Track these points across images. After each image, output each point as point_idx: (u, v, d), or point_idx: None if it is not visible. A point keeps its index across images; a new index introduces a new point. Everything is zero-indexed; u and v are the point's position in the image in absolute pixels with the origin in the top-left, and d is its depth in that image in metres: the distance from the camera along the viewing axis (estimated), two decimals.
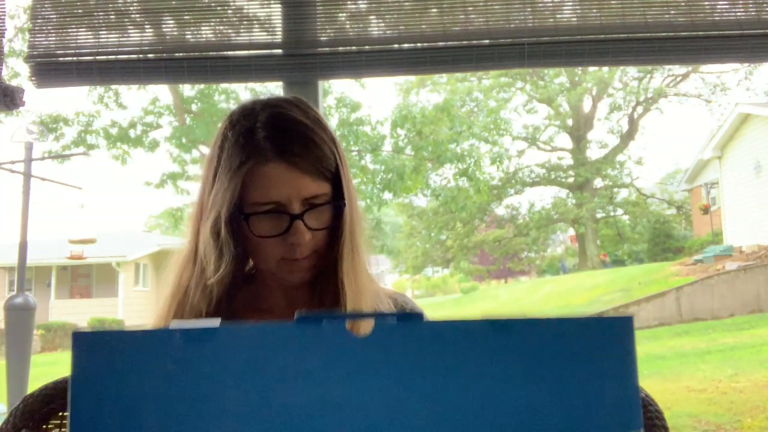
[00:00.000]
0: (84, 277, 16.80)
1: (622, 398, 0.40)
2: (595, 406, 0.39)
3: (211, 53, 1.70)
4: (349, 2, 1.74)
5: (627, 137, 19.59)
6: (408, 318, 0.40)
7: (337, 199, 0.89)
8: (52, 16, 1.72)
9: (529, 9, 1.68)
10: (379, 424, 0.37)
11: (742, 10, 1.64)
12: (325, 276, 0.92)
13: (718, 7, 1.65)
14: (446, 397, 0.38)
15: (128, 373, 0.38)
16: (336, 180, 0.89)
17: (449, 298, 18.43)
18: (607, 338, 0.40)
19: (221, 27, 1.74)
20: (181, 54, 1.71)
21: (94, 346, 0.38)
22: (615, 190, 19.94)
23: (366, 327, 0.40)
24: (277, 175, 0.86)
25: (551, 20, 1.67)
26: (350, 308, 0.88)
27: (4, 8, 1.70)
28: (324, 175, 0.88)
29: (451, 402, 0.38)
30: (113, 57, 1.69)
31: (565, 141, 20.00)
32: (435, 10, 1.71)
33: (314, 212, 0.88)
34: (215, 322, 0.40)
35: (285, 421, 0.37)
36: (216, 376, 0.38)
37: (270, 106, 0.91)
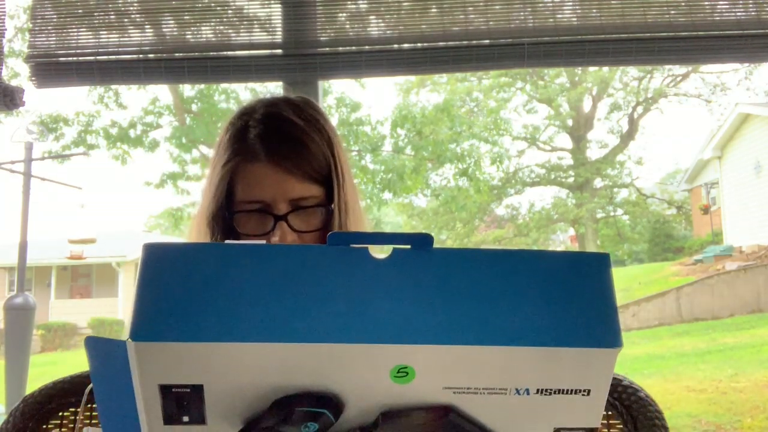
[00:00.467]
0: (84, 277, 16.81)
1: (602, 318, 0.45)
2: (579, 323, 0.45)
3: (211, 53, 1.71)
4: (349, 2, 1.74)
5: (627, 137, 19.59)
6: (420, 243, 0.47)
7: (329, 202, 0.88)
8: (52, 16, 1.72)
9: (529, 9, 1.68)
10: (389, 321, 0.44)
11: (742, 10, 1.64)
12: None
13: (718, 7, 1.65)
14: (449, 309, 0.45)
15: (186, 278, 0.44)
16: (329, 182, 0.88)
17: None
18: (589, 268, 0.47)
19: (221, 27, 1.74)
20: (181, 54, 1.71)
21: (163, 255, 0.45)
22: (615, 190, 19.94)
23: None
24: (263, 175, 0.86)
25: (551, 20, 1.67)
26: None
27: (4, 8, 1.70)
28: (313, 177, 0.87)
29: (452, 312, 0.44)
30: (113, 57, 1.69)
31: (565, 141, 20.01)
32: (435, 10, 1.71)
33: (301, 214, 0.87)
34: (261, 242, 0.47)
35: (310, 322, 0.43)
36: (259, 284, 0.44)
37: (268, 105, 0.91)
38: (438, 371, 0.45)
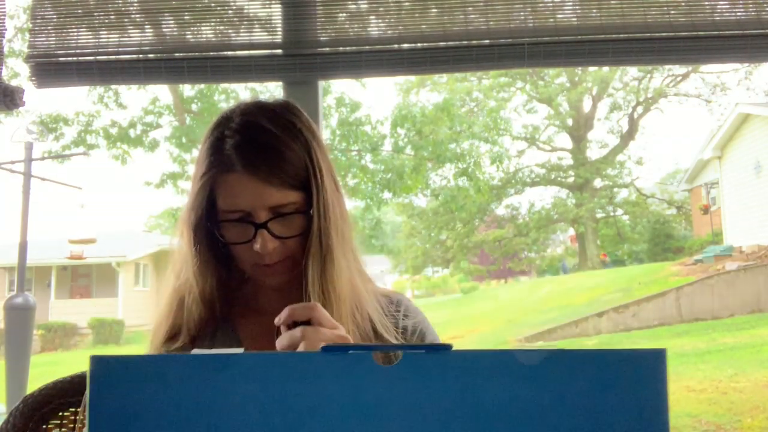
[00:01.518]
0: (84, 277, 16.80)
1: (651, 428, 0.39)
2: None
3: (211, 53, 1.70)
4: (349, 2, 1.74)
5: (627, 137, 19.58)
6: (436, 348, 0.39)
7: (309, 207, 0.89)
8: (52, 16, 1.72)
9: (529, 9, 1.68)
10: None
11: (742, 10, 1.64)
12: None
13: (718, 7, 1.65)
14: (472, 426, 0.38)
15: (146, 400, 0.37)
16: (309, 187, 0.89)
17: (449, 298, 18.43)
18: (641, 372, 0.39)
19: (221, 27, 1.74)
20: (181, 54, 1.71)
21: (111, 371, 0.38)
22: (615, 190, 19.93)
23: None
24: (240, 185, 0.87)
25: (551, 20, 1.67)
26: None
27: (4, 8, 1.70)
28: (291, 184, 0.88)
29: (476, 430, 0.38)
30: (113, 57, 1.69)
31: (565, 141, 20.00)
32: (435, 10, 1.71)
33: (281, 221, 0.88)
34: (239, 351, 0.39)
35: None
36: (240, 404, 0.37)
37: (244, 113, 0.92)
38: None
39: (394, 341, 0.94)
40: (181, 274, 0.94)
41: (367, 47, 1.68)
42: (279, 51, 1.68)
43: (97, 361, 0.38)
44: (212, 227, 0.90)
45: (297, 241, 0.90)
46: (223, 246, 0.92)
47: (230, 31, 1.73)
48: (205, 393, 0.37)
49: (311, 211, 0.89)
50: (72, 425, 1.04)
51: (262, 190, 0.87)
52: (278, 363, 0.38)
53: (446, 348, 0.39)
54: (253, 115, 0.92)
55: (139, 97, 15.17)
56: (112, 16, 1.72)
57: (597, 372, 0.39)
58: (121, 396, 0.37)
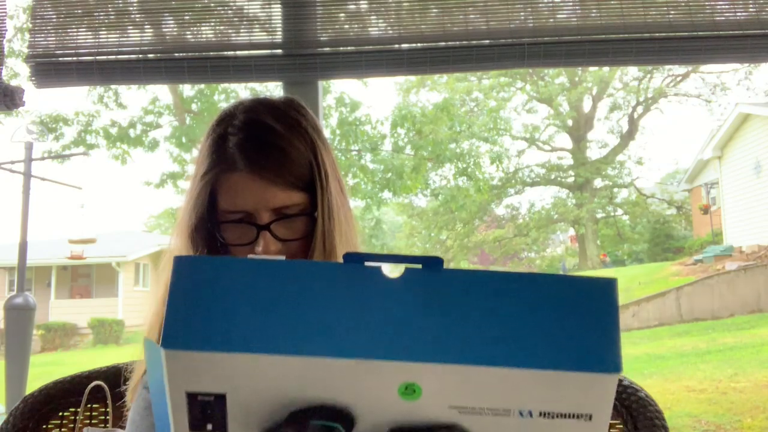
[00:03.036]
0: (84, 277, 16.80)
1: (604, 344, 0.46)
2: (581, 347, 0.46)
3: (211, 53, 1.70)
4: (349, 2, 1.74)
5: (627, 137, 19.59)
6: (432, 264, 0.49)
7: (314, 207, 0.87)
8: (52, 16, 1.72)
9: (529, 9, 1.68)
10: (397, 339, 0.46)
11: (742, 10, 1.64)
12: None
13: (718, 7, 1.65)
14: (455, 329, 0.47)
15: (212, 291, 0.47)
16: (313, 188, 0.87)
17: None
18: (596, 294, 0.48)
19: (221, 27, 1.74)
20: (181, 54, 1.71)
21: (192, 267, 0.48)
22: (615, 190, 19.94)
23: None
24: (244, 185, 0.84)
25: (551, 20, 1.67)
26: None
27: (4, 8, 1.70)
28: (295, 185, 0.85)
29: (458, 332, 0.46)
30: (113, 57, 1.69)
31: (565, 141, 20.01)
32: (435, 10, 1.71)
33: (285, 222, 0.85)
34: (281, 257, 0.50)
35: (324, 335, 0.46)
36: (277, 298, 0.47)
37: (248, 110, 0.89)
38: (443, 390, 0.46)
39: None
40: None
41: (367, 47, 1.68)
42: (279, 51, 1.68)
43: (180, 260, 0.48)
44: (212, 228, 0.87)
45: (300, 243, 0.87)
46: (222, 247, 0.89)
47: (230, 31, 1.73)
48: (256, 289, 0.47)
49: (315, 213, 0.86)
50: (72, 425, 1.04)
51: (266, 190, 0.84)
52: (308, 268, 0.49)
53: (440, 262, 0.49)
54: (257, 112, 0.88)
55: (139, 97, 15.20)
56: (112, 16, 1.72)
57: (564, 292, 0.48)
58: (196, 289, 0.47)
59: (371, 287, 0.48)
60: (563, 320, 0.47)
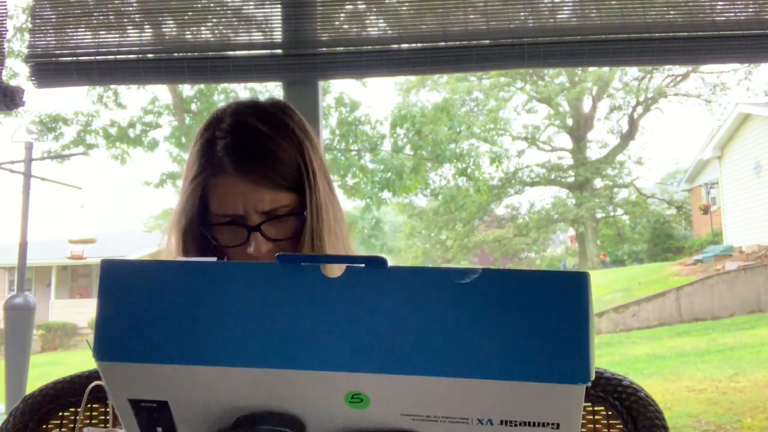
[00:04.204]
0: (84, 277, 16.80)
1: (571, 350, 0.41)
2: (544, 354, 0.41)
3: (210, 53, 1.70)
4: (348, 2, 1.74)
5: (627, 137, 19.59)
6: (375, 262, 0.44)
7: (302, 208, 0.88)
8: (51, 16, 1.72)
9: (529, 9, 1.68)
10: (340, 347, 0.42)
11: (742, 10, 1.64)
12: None
13: (718, 7, 1.65)
14: (402, 335, 0.42)
15: (141, 296, 0.45)
16: (302, 189, 0.88)
17: None
18: (563, 292, 0.42)
19: (221, 27, 1.74)
20: (180, 54, 1.71)
21: (121, 272, 0.46)
22: (615, 190, 19.93)
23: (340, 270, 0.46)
24: (233, 187, 0.86)
25: (551, 20, 1.67)
26: None
27: (5, 8, 1.70)
28: (283, 185, 0.87)
29: (405, 338, 0.42)
30: (113, 57, 1.69)
31: (565, 141, 20.01)
32: (435, 10, 1.71)
33: (275, 223, 0.87)
34: (212, 259, 0.47)
35: (261, 339, 0.43)
36: (210, 302, 0.44)
37: (234, 113, 0.90)
38: (392, 399, 0.44)
39: None
40: None
41: (367, 47, 1.68)
42: (279, 51, 1.68)
43: (107, 264, 0.46)
44: (204, 231, 0.88)
45: (291, 243, 0.89)
46: (215, 249, 0.90)
47: (230, 31, 1.73)
48: (186, 292, 0.44)
49: (305, 213, 0.88)
50: (72, 425, 1.04)
51: (255, 192, 0.85)
52: (241, 269, 0.45)
53: (383, 263, 0.44)
54: (244, 115, 0.90)
55: (138, 97, 15.20)
56: (111, 16, 1.72)
57: (524, 291, 0.42)
58: (126, 296, 0.45)
59: (309, 289, 0.44)
60: (525, 322, 0.42)
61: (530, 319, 0.42)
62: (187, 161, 0.91)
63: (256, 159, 0.86)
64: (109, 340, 0.44)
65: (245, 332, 0.43)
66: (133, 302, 0.45)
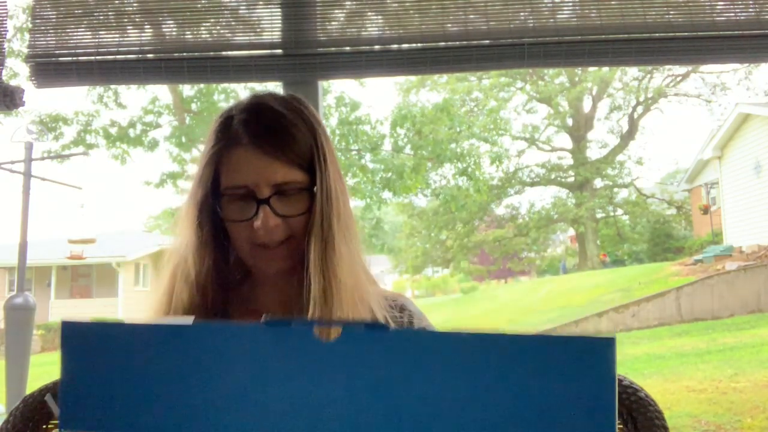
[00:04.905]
0: (84, 277, 16.80)
1: (599, 416, 0.38)
2: (569, 419, 0.38)
3: (210, 53, 1.70)
4: (348, 2, 1.74)
5: (627, 137, 19.59)
6: (375, 326, 0.40)
7: (312, 186, 0.88)
8: (51, 16, 1.72)
9: (529, 9, 1.68)
10: (335, 426, 0.38)
11: (742, 10, 1.64)
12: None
13: (718, 7, 1.65)
14: (407, 405, 0.38)
15: (110, 363, 0.41)
16: (312, 168, 0.89)
17: (449, 298, 18.43)
18: (589, 358, 0.38)
19: (221, 27, 1.74)
20: (180, 54, 1.71)
21: (82, 335, 0.42)
22: (615, 190, 19.94)
23: (337, 332, 0.41)
24: (246, 159, 0.87)
25: (551, 20, 1.67)
26: (320, 303, 0.85)
27: (5, 9, 1.70)
28: (296, 162, 0.88)
29: (411, 409, 0.38)
30: (113, 57, 1.69)
31: (565, 141, 20.01)
32: (435, 10, 1.71)
33: (284, 198, 0.87)
34: (188, 320, 0.42)
35: (248, 417, 0.39)
36: (188, 371, 0.40)
37: (253, 97, 0.93)
38: None
39: None
40: (172, 267, 0.92)
41: (367, 47, 1.68)
42: (279, 51, 1.68)
43: (68, 327, 0.42)
44: (214, 204, 0.89)
45: (298, 221, 0.88)
46: (223, 226, 0.90)
47: (230, 31, 1.73)
48: (160, 359, 0.40)
49: (315, 190, 0.88)
50: None
51: (267, 165, 0.86)
52: (224, 333, 0.40)
53: (385, 327, 0.39)
54: (261, 98, 0.93)
55: (138, 97, 15.20)
56: (111, 16, 1.72)
57: (539, 357, 0.39)
58: (87, 359, 0.41)
59: (301, 355, 0.39)
60: (543, 395, 0.38)
61: (555, 384, 0.38)
62: (203, 147, 0.92)
63: (272, 133, 0.88)
64: (73, 408, 0.41)
65: (229, 406, 0.39)
66: (99, 369, 0.41)
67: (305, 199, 0.89)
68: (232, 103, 0.95)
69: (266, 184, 0.86)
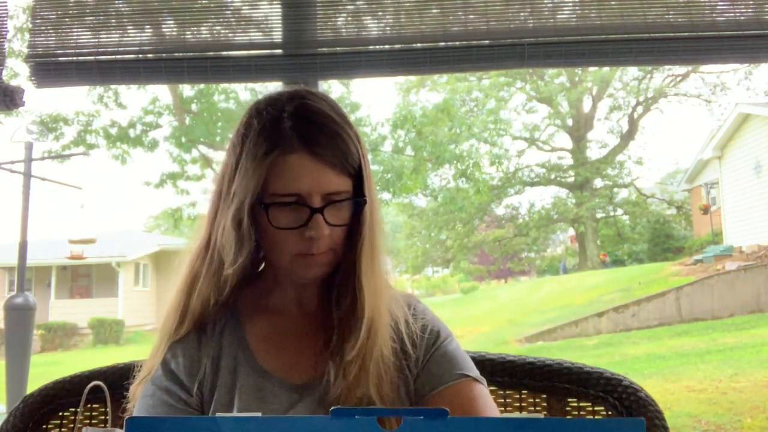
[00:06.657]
0: (84, 277, 16.80)
1: None
2: None
3: (210, 53, 1.70)
4: (348, 2, 1.74)
5: (627, 137, 19.58)
6: (434, 414, 0.42)
7: (359, 196, 0.88)
8: (51, 16, 1.72)
9: (529, 9, 1.68)
10: None
11: (742, 10, 1.64)
12: (343, 276, 0.90)
13: (718, 7, 1.65)
14: None
15: None
16: (359, 177, 0.88)
17: (449, 298, 18.43)
18: None
19: (221, 27, 1.74)
20: (180, 54, 1.71)
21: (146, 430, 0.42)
22: (615, 190, 19.92)
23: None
24: (301, 166, 0.84)
25: (551, 20, 1.67)
26: (368, 310, 0.86)
27: (5, 9, 1.70)
28: (347, 170, 0.86)
29: None
30: (113, 57, 1.69)
31: (565, 141, 20.00)
32: (435, 10, 1.71)
33: (334, 207, 0.86)
34: (257, 414, 0.43)
35: None
36: None
37: (297, 97, 0.89)
38: None
39: (412, 350, 0.91)
40: (196, 262, 0.91)
41: (367, 47, 1.68)
42: (279, 51, 1.69)
43: (132, 423, 0.42)
44: (258, 207, 0.86)
45: (342, 230, 0.88)
46: (259, 234, 0.88)
47: (230, 31, 1.73)
48: None
49: (363, 199, 0.87)
50: (72, 425, 1.04)
51: (322, 173, 0.84)
52: (292, 426, 0.41)
53: (443, 414, 0.41)
54: (308, 99, 0.89)
55: (138, 97, 15.16)
56: (111, 16, 1.72)
57: None
58: None
59: None
60: None
61: None
62: (236, 143, 0.88)
63: (326, 140, 0.85)
64: None
65: None
66: None
67: (350, 208, 0.88)
68: (269, 96, 0.91)
69: (318, 192, 0.85)
